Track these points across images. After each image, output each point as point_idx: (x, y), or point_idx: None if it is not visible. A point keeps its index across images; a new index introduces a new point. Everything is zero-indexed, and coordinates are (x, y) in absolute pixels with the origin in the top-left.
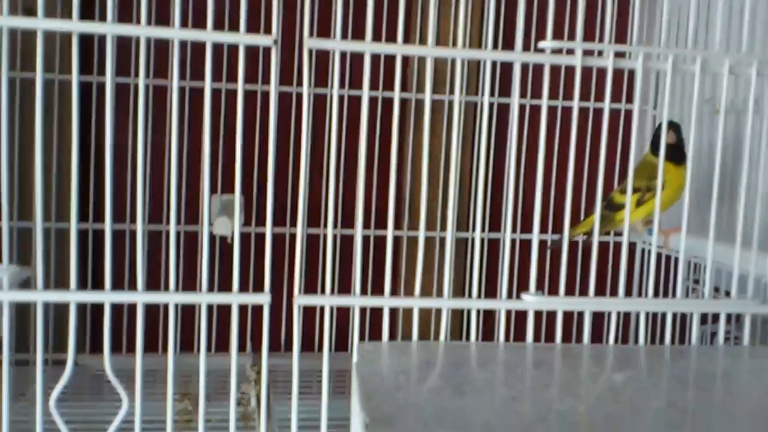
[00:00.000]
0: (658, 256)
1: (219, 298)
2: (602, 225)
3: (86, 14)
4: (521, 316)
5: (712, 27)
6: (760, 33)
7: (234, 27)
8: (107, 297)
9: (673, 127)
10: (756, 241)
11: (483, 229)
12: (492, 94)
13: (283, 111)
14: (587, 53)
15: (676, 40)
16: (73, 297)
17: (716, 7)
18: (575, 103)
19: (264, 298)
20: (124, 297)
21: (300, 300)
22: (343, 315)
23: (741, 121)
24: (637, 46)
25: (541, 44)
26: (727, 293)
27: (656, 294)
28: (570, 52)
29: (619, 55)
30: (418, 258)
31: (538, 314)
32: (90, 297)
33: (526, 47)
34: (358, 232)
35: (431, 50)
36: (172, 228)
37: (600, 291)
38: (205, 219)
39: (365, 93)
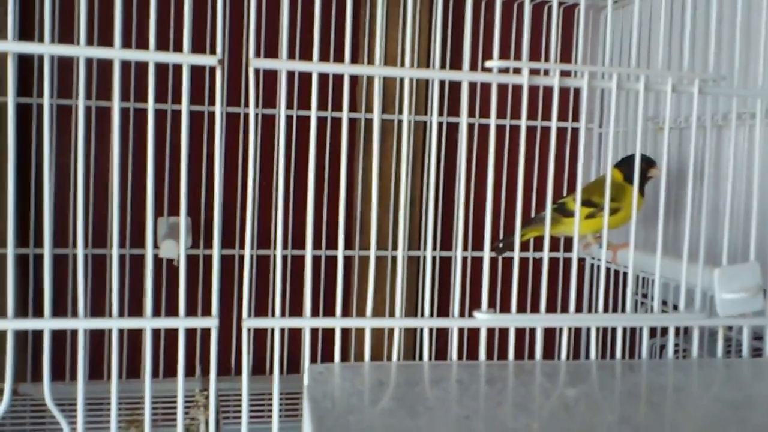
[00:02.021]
0: (607, 271)
1: (165, 323)
2: (551, 226)
3: (26, 35)
4: (474, 333)
5: (655, 46)
6: (701, 50)
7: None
8: (47, 324)
9: (654, 163)
10: (702, 255)
11: (434, 248)
12: (441, 113)
13: (232, 132)
14: (534, 72)
15: (620, 59)
16: (11, 324)
17: (658, 26)
18: (523, 122)
19: (211, 322)
20: (64, 323)
21: (248, 323)
22: (295, 337)
23: (684, 137)
24: (582, 65)
25: (488, 63)
26: (675, 307)
27: (606, 309)
28: (517, 71)
29: (565, 74)
30: (370, 277)
31: (490, 331)
32: (28, 324)
33: (473, 67)
34: (308, 252)
35: (379, 69)
36: (115, 251)
37: (551, 307)
38: (149, 242)
39: (313, 113)
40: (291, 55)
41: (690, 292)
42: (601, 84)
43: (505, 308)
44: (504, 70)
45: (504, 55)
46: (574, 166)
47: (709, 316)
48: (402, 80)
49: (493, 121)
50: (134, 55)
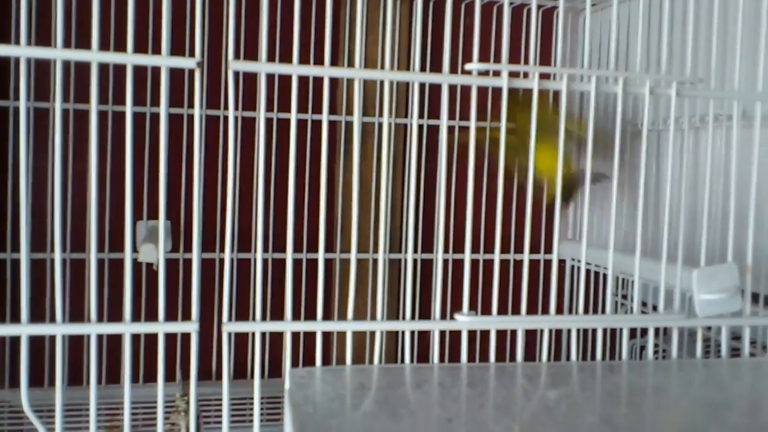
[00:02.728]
0: (588, 273)
1: (144, 328)
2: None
3: (1, 37)
4: (457, 335)
5: (634, 48)
6: (678, 53)
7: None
8: (24, 330)
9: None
10: (680, 256)
11: (415, 250)
12: (421, 116)
13: (212, 134)
14: (513, 75)
15: (599, 62)
16: None
17: (637, 29)
18: (503, 125)
19: (191, 326)
20: (41, 329)
21: (229, 327)
22: (278, 340)
23: (662, 139)
24: (560, 68)
25: (468, 66)
26: (655, 308)
27: (586, 310)
28: (497, 74)
29: (544, 76)
30: (351, 280)
31: (472, 333)
32: (5, 330)
33: (453, 70)
34: (289, 256)
35: (359, 72)
36: (93, 256)
37: (532, 309)
38: (127, 246)
39: (293, 116)
40: (271, 58)
41: (669, 293)
42: (579, 86)
43: (487, 310)
44: (484, 73)
45: (484, 58)
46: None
47: (689, 317)
48: (383, 83)
49: (473, 124)
50: (112, 57)
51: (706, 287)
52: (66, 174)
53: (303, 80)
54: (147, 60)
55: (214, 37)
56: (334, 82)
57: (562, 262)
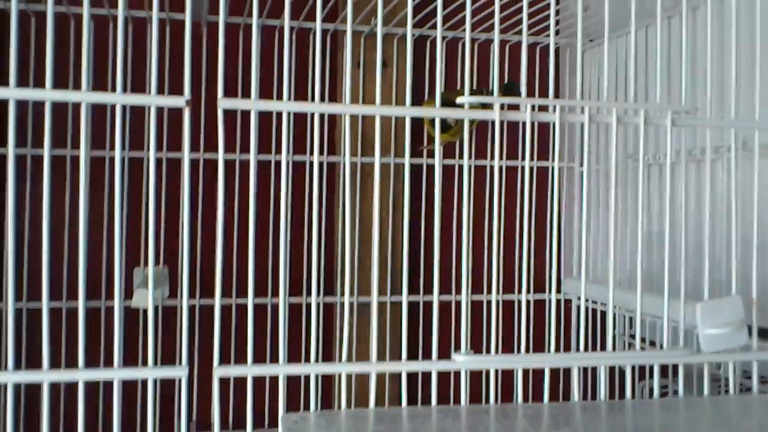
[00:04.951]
0: (594, 311)
1: (132, 373)
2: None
3: None
4: (457, 374)
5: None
6: (676, 84)
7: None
8: (9, 377)
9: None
10: (683, 290)
11: (417, 291)
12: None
13: (209, 177)
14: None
15: (597, 95)
16: None
17: (638, 62)
18: (496, 159)
19: (180, 372)
20: (27, 377)
21: (219, 371)
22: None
23: (664, 173)
24: (553, 99)
25: (459, 100)
26: (661, 345)
27: (587, 348)
28: (488, 106)
29: (543, 108)
30: (345, 323)
31: (473, 373)
32: None
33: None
34: (282, 298)
35: (348, 108)
36: (81, 301)
37: (538, 349)
38: (116, 292)
39: (284, 156)
40: (267, 95)
41: (676, 330)
42: (573, 118)
43: (488, 350)
44: (476, 106)
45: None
46: (551, 204)
47: (694, 352)
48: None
49: (466, 162)
50: (101, 97)
51: (710, 321)
52: (60, 220)
53: (301, 120)
54: (135, 99)
55: (212, 75)
56: (333, 122)
57: (568, 302)
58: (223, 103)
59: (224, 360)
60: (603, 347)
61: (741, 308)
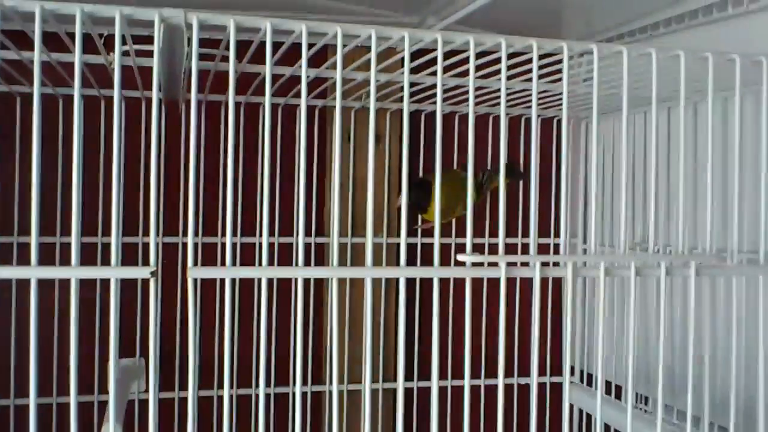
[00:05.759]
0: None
1: None
2: None
3: None
4: None
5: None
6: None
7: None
8: None
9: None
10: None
11: (413, 378)
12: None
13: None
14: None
15: (603, 168)
16: None
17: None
18: (501, 323)
19: None
20: None
21: None
22: None
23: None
24: (564, 256)
25: (461, 257)
26: None
27: None
28: (493, 264)
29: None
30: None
31: None
32: None
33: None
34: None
35: (335, 271)
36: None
37: None
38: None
39: (263, 321)
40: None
41: None
42: (586, 272)
43: None
44: (479, 264)
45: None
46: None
47: None
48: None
49: (468, 318)
50: (55, 272)
51: None
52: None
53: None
54: (96, 272)
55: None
56: (321, 201)
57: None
58: (193, 273)
59: None
60: None
61: None
